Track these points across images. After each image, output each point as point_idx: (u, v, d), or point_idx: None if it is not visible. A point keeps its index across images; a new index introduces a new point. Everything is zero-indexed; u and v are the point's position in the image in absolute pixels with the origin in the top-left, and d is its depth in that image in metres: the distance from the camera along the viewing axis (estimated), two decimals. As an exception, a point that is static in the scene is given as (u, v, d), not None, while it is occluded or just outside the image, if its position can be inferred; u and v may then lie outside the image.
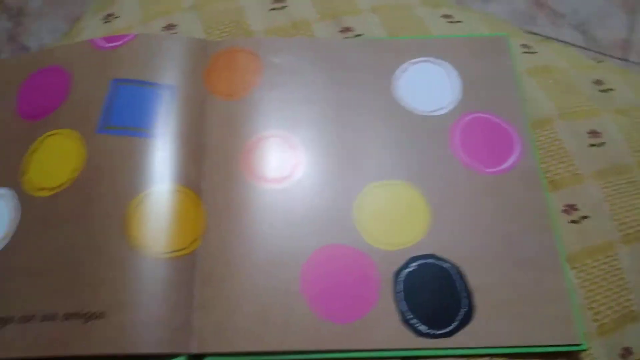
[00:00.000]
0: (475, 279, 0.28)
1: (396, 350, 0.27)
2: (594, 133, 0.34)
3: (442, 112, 0.33)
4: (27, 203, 0.29)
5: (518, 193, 0.31)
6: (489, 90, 0.34)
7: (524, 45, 0.37)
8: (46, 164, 0.30)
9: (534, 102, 0.34)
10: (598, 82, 0.37)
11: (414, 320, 0.27)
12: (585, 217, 0.31)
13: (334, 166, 0.31)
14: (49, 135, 0.31)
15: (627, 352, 0.28)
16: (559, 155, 0.33)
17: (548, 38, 0.37)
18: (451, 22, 0.38)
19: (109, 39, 0.34)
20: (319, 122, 0.33)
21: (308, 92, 0.33)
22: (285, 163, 0.31)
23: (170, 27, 0.37)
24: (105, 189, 0.29)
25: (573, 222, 0.31)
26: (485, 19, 0.39)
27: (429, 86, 0.34)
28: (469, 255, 0.29)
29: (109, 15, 0.39)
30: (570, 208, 0.31)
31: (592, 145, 0.33)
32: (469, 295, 0.28)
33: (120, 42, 0.33)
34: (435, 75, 0.35)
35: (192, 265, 0.28)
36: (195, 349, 0.27)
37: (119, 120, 0.31)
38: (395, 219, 0.30)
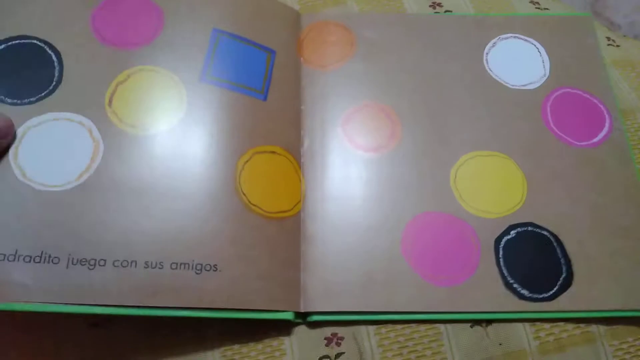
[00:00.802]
0: (572, 247, 0.29)
1: (500, 312, 0.27)
2: None
3: (533, 86, 0.34)
4: (115, 138, 0.27)
5: (609, 166, 0.31)
6: (577, 67, 0.34)
7: (608, 38, 0.38)
8: (137, 100, 0.28)
9: (618, 91, 0.35)
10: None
11: (516, 285, 0.28)
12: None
13: (430, 136, 0.32)
14: (141, 70, 0.29)
15: None
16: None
17: (625, 36, 0.37)
18: (538, 8, 0.38)
19: None
20: (414, 93, 0.33)
21: (401, 65, 0.34)
22: (382, 132, 0.32)
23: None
24: (210, 139, 0.28)
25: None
26: (570, 9, 0.39)
27: (519, 61, 0.34)
28: (565, 223, 0.29)
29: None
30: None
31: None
32: (567, 262, 0.28)
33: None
34: (525, 50, 0.35)
35: (296, 226, 0.29)
36: (302, 307, 0.27)
37: (223, 73, 0.30)
38: (493, 189, 0.30)
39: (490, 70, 0.34)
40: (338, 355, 0.26)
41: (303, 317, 0.27)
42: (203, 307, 0.25)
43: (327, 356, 0.26)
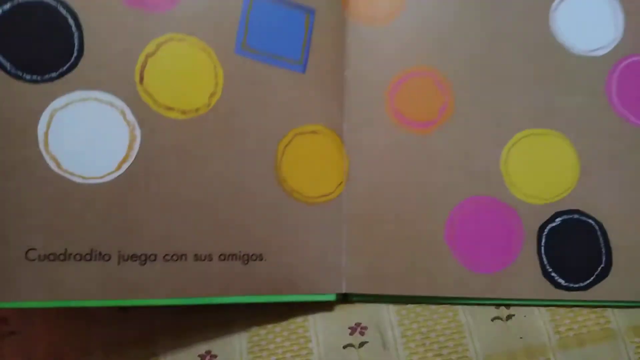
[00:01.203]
0: (616, 237, 0.29)
1: (536, 300, 0.28)
2: None
3: (601, 52, 0.30)
4: (152, 122, 0.25)
5: None
6: None
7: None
8: (171, 78, 0.26)
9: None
10: None
11: (554, 274, 0.28)
12: None
13: (484, 110, 0.29)
14: (171, 40, 0.26)
15: None
16: None
17: None
18: None
19: None
20: (469, 56, 0.30)
21: (460, 21, 0.30)
22: (432, 106, 0.29)
23: None
24: (250, 122, 0.27)
25: None
26: None
27: (590, 20, 0.30)
28: (613, 212, 0.29)
29: None
30: None
31: None
32: (608, 252, 0.29)
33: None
34: (598, 6, 0.31)
35: (339, 209, 0.28)
36: (344, 289, 0.28)
37: (260, 43, 0.27)
38: (544, 172, 0.29)
39: (556, 31, 0.30)
40: (362, 344, 0.27)
41: (343, 296, 0.28)
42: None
43: (351, 344, 0.27)
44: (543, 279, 0.28)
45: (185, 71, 0.26)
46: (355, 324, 0.28)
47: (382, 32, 0.30)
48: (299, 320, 0.28)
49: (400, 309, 0.28)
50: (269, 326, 0.27)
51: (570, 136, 0.29)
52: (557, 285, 0.28)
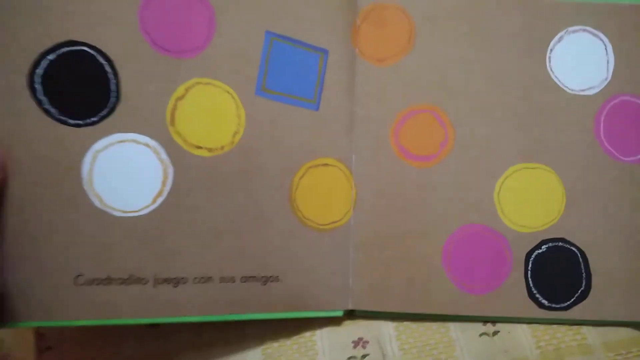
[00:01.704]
0: (596, 262, 0.32)
1: (522, 317, 0.32)
2: None
3: (592, 91, 0.33)
4: (182, 160, 0.28)
5: None
6: None
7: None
8: (199, 119, 0.29)
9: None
10: None
11: (538, 295, 0.32)
12: None
13: (481, 145, 0.32)
14: (198, 84, 0.29)
15: None
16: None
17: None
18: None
19: None
20: (469, 94, 0.32)
21: (461, 61, 0.32)
22: (434, 141, 0.32)
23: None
24: (268, 159, 0.30)
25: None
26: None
27: (583, 61, 0.33)
28: (595, 240, 0.32)
29: None
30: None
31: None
32: (588, 277, 0.32)
33: (269, -15, 0.30)
34: (591, 48, 0.33)
35: (347, 234, 0.31)
36: (350, 306, 0.31)
37: (278, 84, 0.30)
38: (533, 204, 0.32)
39: (552, 71, 0.33)
40: (364, 356, 0.31)
41: (349, 312, 0.32)
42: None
43: (354, 356, 0.31)
44: (528, 300, 0.32)
45: (211, 112, 0.29)
46: (358, 339, 0.31)
47: (389, 72, 0.32)
48: (308, 334, 0.31)
49: (399, 325, 0.31)
50: (281, 340, 0.31)
51: (559, 170, 0.32)
52: (541, 305, 0.32)
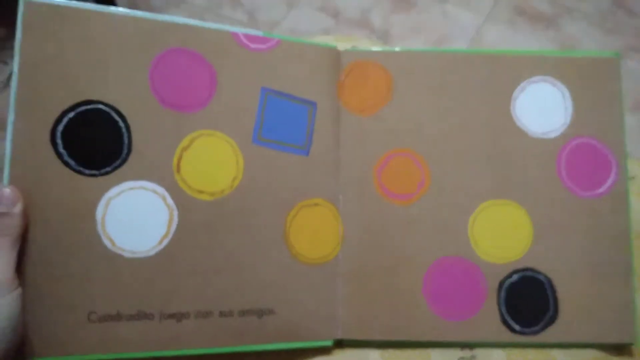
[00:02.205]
0: (562, 289, 0.35)
1: (496, 342, 0.35)
2: None
3: (552, 135, 0.37)
4: (186, 204, 0.31)
5: (607, 216, 0.36)
6: (598, 115, 0.37)
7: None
8: (202, 166, 0.32)
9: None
10: None
11: (510, 321, 0.35)
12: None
13: (454, 184, 0.36)
14: (202, 135, 0.32)
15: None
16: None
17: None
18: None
19: (251, 39, 0.34)
20: (443, 141, 0.36)
21: (434, 110, 0.36)
22: (412, 181, 0.36)
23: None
24: (264, 200, 0.33)
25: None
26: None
27: (544, 108, 0.37)
28: (560, 268, 0.35)
29: None
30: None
31: None
32: (555, 303, 0.35)
33: (264, 47, 0.34)
34: (551, 96, 0.37)
35: (335, 268, 0.34)
36: (340, 335, 0.34)
37: (272, 133, 0.34)
38: (505, 236, 0.35)
39: (516, 117, 0.37)
40: None
41: (339, 342, 0.34)
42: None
43: None
44: (502, 325, 0.35)
45: (213, 161, 0.32)
46: None
47: (370, 120, 0.36)
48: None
49: (384, 353, 0.34)
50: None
51: (526, 206, 0.36)
52: (513, 330, 0.35)
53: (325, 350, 0.34)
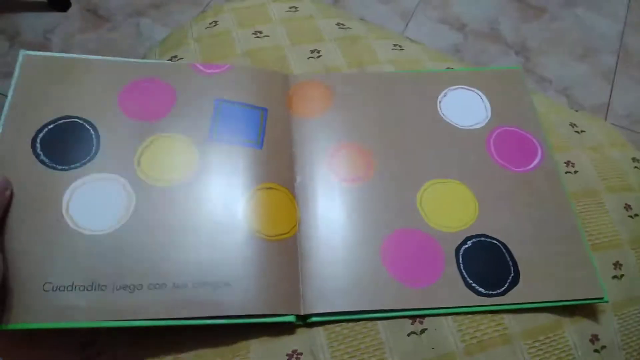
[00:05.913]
0: (518, 252, 0.36)
1: (464, 307, 0.34)
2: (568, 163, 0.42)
3: (478, 126, 0.42)
4: (144, 189, 0.34)
5: (543, 187, 0.39)
6: (512, 109, 0.43)
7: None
8: (160, 160, 0.36)
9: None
10: (573, 125, 0.46)
11: (474, 284, 0.34)
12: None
13: (398, 168, 0.39)
14: (161, 137, 0.37)
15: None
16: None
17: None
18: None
19: (207, 66, 0.41)
20: (382, 135, 0.41)
21: (370, 114, 0.42)
22: (359, 167, 0.39)
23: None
24: (220, 184, 0.35)
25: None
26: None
27: (467, 106, 0.43)
28: (511, 234, 0.37)
29: (173, 57, 0.46)
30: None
31: (567, 172, 0.42)
32: (515, 264, 0.35)
33: (218, 70, 0.41)
34: (470, 98, 0.43)
35: (294, 245, 0.35)
36: (302, 310, 0.33)
37: (226, 132, 0.38)
38: (452, 208, 0.37)
39: (444, 115, 0.42)
40: None
41: (304, 320, 0.33)
42: (221, 316, 0.31)
43: None
44: (466, 289, 0.34)
45: (169, 155, 0.36)
46: (292, 351, 0.32)
47: (316, 122, 0.41)
48: (242, 352, 0.32)
49: (330, 333, 0.33)
50: (213, 354, 0.32)
51: (466, 182, 0.39)
52: (479, 293, 0.34)
53: (289, 328, 0.33)
